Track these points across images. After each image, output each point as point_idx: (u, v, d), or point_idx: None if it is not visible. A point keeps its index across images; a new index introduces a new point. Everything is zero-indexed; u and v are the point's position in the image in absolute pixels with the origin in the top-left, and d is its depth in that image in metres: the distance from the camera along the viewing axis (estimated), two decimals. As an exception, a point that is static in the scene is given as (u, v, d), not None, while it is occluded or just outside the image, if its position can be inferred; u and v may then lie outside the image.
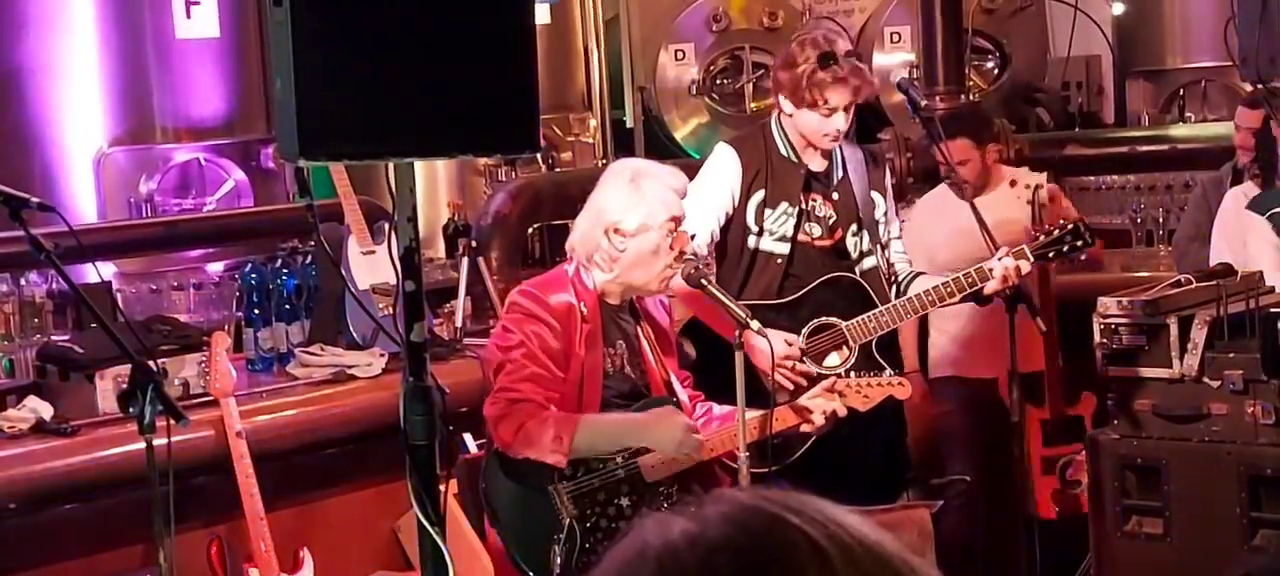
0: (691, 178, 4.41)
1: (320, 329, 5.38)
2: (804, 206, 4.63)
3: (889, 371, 4.46)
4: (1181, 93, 8.36)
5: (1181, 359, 4.44)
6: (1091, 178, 7.95)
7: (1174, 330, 4.45)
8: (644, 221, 4.07)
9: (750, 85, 8.43)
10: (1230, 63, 7.33)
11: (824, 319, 4.57)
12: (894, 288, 4.71)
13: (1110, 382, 4.61)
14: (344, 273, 5.19)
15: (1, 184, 3.81)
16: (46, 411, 4.54)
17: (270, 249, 5.68)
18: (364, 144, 2.96)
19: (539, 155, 6.92)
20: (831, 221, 4.66)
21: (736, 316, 4.05)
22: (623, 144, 8.40)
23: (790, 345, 4.44)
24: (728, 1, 8.49)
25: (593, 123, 8.01)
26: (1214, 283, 4.59)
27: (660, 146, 8.41)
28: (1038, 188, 4.97)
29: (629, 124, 8.68)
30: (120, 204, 6.23)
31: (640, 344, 4.25)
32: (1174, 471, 4.46)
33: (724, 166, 4.65)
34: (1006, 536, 5.32)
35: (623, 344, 4.20)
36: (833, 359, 4.56)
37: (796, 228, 4.62)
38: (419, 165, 3.53)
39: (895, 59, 8.28)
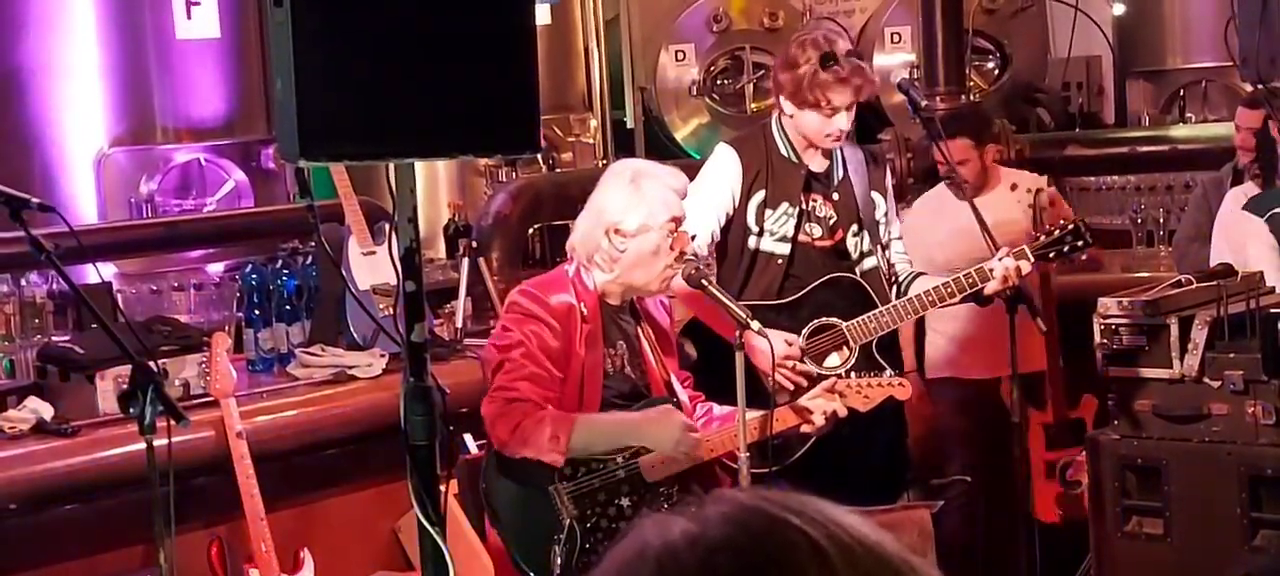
0: (692, 178, 4.41)
1: (321, 329, 5.39)
2: (804, 207, 4.63)
3: (889, 372, 4.46)
4: (1182, 93, 8.35)
5: (1182, 359, 4.44)
6: (1092, 178, 7.95)
7: (1174, 330, 4.45)
8: (644, 222, 4.07)
9: (751, 86, 8.43)
10: (1230, 63, 7.32)
11: (824, 319, 4.57)
12: (894, 288, 4.71)
13: (1110, 383, 4.61)
14: (344, 273, 5.19)
15: (2, 184, 3.81)
16: (47, 412, 4.54)
17: (271, 249, 5.68)
18: (364, 144, 2.96)
19: (539, 156, 6.93)
20: (832, 222, 4.66)
21: (737, 317, 4.05)
22: (623, 144, 8.40)
23: (791, 345, 4.44)
24: (728, 2, 8.49)
25: (593, 123, 8.01)
26: (1214, 283, 4.59)
27: (661, 147, 8.41)
28: (1039, 191, 4.97)
29: (629, 124, 8.68)
30: (121, 204, 6.23)
31: (641, 344, 4.25)
32: (1174, 472, 4.46)
33: (724, 167, 4.65)
34: (1006, 537, 5.32)
35: (623, 344, 4.20)
36: (833, 359, 4.56)
37: (797, 228, 4.61)
38: (419, 166, 3.53)
39: (896, 59, 8.28)
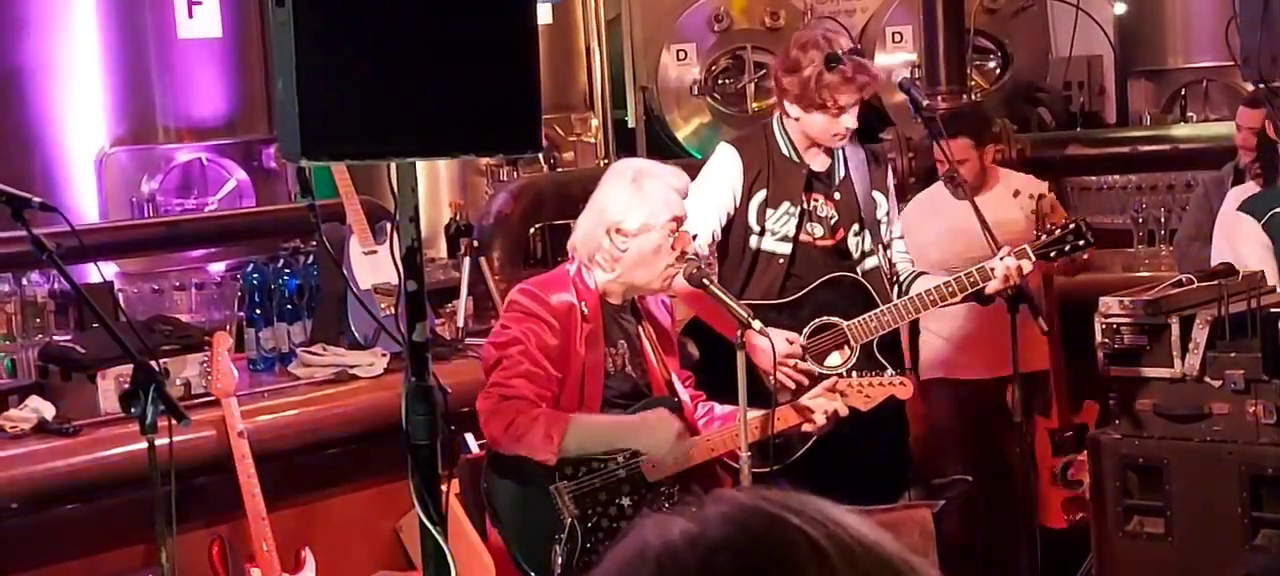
0: (693, 178, 4.41)
1: (322, 329, 5.39)
2: (806, 206, 4.63)
3: (890, 371, 4.46)
4: (1183, 92, 8.35)
5: (1183, 358, 4.44)
6: (1093, 178, 7.95)
7: (1175, 330, 4.45)
8: (646, 221, 4.07)
9: (752, 85, 8.43)
10: (1232, 62, 7.32)
11: (825, 318, 4.57)
12: (896, 287, 4.71)
13: (1112, 382, 4.60)
14: (346, 272, 5.19)
15: (3, 184, 3.81)
16: (48, 411, 4.55)
17: (272, 249, 5.68)
18: (366, 144, 2.96)
19: (541, 155, 6.93)
20: (833, 221, 4.66)
21: (738, 316, 4.05)
22: (624, 144, 8.39)
23: (792, 345, 4.44)
24: (729, 1, 8.49)
25: (594, 122, 8.01)
26: (1215, 282, 4.59)
27: (662, 146, 8.40)
28: (1041, 197, 4.97)
29: (631, 124, 8.68)
30: (122, 204, 6.23)
31: (642, 343, 4.25)
32: (1175, 471, 4.46)
33: (725, 166, 4.65)
34: (1007, 537, 5.33)
35: (624, 343, 4.20)
36: (834, 358, 4.56)
37: (798, 227, 4.61)
38: (421, 165, 3.53)
39: (897, 59, 8.28)
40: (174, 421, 3.68)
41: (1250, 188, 5.55)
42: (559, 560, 3.99)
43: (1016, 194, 5.17)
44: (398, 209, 3.07)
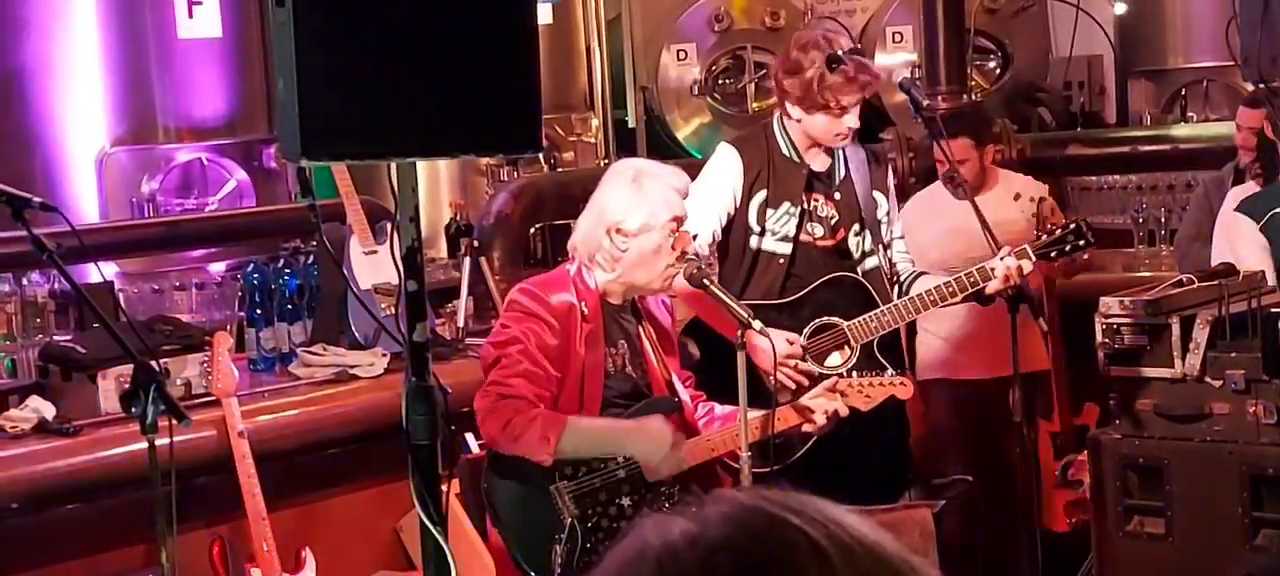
0: (693, 178, 4.41)
1: (322, 329, 5.39)
2: (806, 206, 4.63)
3: (891, 371, 4.46)
4: (1183, 92, 8.35)
5: (1183, 358, 4.44)
6: (1093, 178, 7.94)
7: (1176, 330, 4.45)
8: (646, 221, 4.07)
9: (752, 85, 8.43)
10: (1232, 62, 7.32)
11: (826, 319, 4.57)
12: (896, 287, 4.71)
13: (1112, 382, 4.60)
14: (346, 272, 5.19)
15: (4, 184, 3.81)
16: (49, 411, 4.55)
17: (272, 249, 5.68)
18: (366, 144, 2.96)
19: (541, 155, 6.93)
20: (834, 221, 4.66)
21: (738, 316, 4.05)
22: (625, 144, 8.39)
23: (792, 345, 4.44)
24: (730, 1, 8.49)
25: (595, 122, 8.01)
26: (1216, 282, 4.59)
27: (662, 146, 8.40)
28: (1042, 200, 4.97)
29: (631, 124, 8.68)
30: (122, 204, 6.23)
31: (642, 343, 4.25)
32: (1176, 471, 4.46)
33: (726, 166, 4.65)
34: (1007, 537, 5.33)
35: (624, 343, 4.20)
36: (834, 358, 4.56)
37: (798, 227, 4.62)
38: (421, 165, 3.53)
39: (897, 59, 8.28)
40: (174, 421, 3.67)
41: (1250, 188, 5.55)
42: (559, 560, 3.99)
43: (1017, 197, 5.17)
44: (398, 209, 3.07)
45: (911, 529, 4.08)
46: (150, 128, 6.34)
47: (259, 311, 5.26)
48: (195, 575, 4.59)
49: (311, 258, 5.51)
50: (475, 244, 5.89)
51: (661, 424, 4.10)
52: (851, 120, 4.54)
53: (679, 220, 4.12)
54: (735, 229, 4.64)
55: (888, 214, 4.75)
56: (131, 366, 3.75)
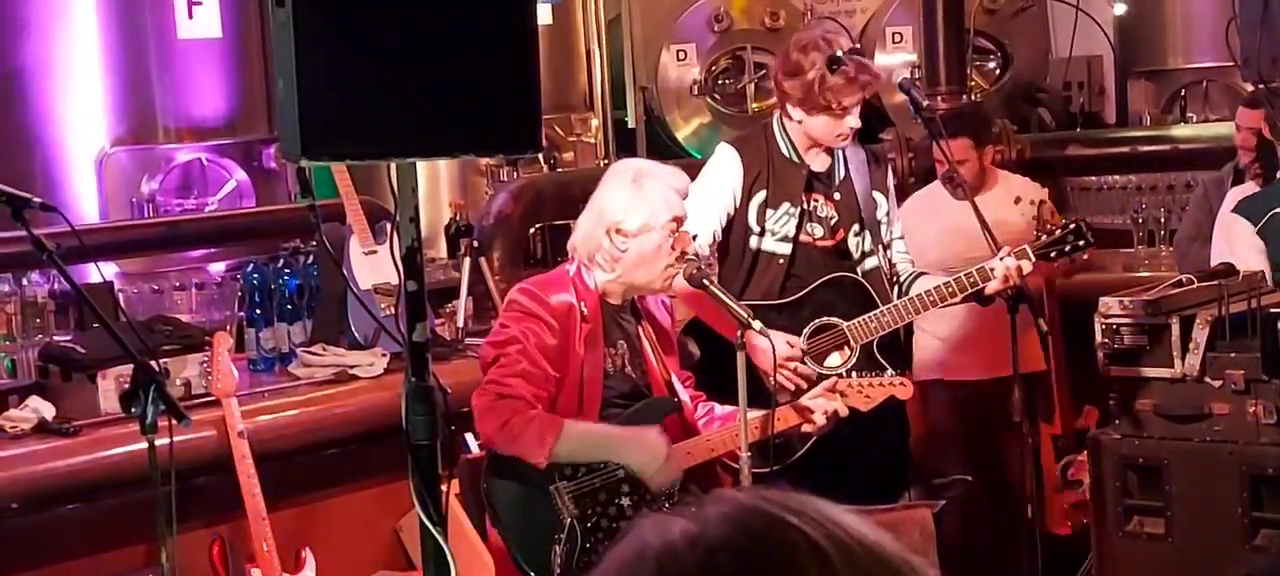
0: (693, 178, 4.41)
1: (322, 329, 5.39)
2: (806, 207, 4.63)
3: (890, 371, 4.46)
4: (1183, 93, 8.35)
5: (1183, 359, 4.44)
6: (1093, 178, 7.94)
7: (1176, 330, 4.45)
8: (646, 221, 4.07)
9: (752, 85, 8.43)
10: (1232, 63, 7.33)
11: (825, 319, 4.57)
12: (896, 288, 4.71)
13: (1112, 382, 4.61)
14: (346, 272, 5.19)
15: (3, 184, 3.81)
16: (49, 411, 4.55)
17: (272, 249, 5.68)
18: (366, 144, 2.96)
19: (541, 155, 6.93)
20: (833, 221, 4.66)
21: (738, 316, 4.05)
22: (624, 144, 8.39)
23: (792, 345, 4.44)
24: (729, 2, 8.49)
25: (594, 123, 8.01)
26: (1216, 282, 4.59)
27: (662, 146, 8.40)
28: (1042, 203, 4.98)
29: (631, 124, 8.68)
30: (122, 204, 6.23)
31: (641, 344, 4.25)
32: (1176, 471, 4.46)
33: (726, 166, 4.65)
34: (1007, 537, 5.32)
35: (624, 344, 4.20)
36: (834, 359, 4.56)
37: (798, 228, 4.62)
38: (421, 165, 3.53)
39: (897, 59, 8.28)
40: (174, 421, 3.68)
41: (1250, 188, 5.55)
42: (559, 560, 3.99)
43: (1017, 200, 5.17)
44: (398, 209, 3.07)
45: (911, 529, 4.09)
46: (150, 128, 6.34)
47: (259, 311, 5.26)
48: (195, 575, 4.59)
49: (311, 258, 5.51)
50: (475, 244, 5.88)
51: (657, 436, 4.09)
52: (853, 121, 4.54)
53: (679, 220, 4.12)
54: (735, 229, 4.64)
55: (887, 214, 4.75)
56: (131, 366, 3.75)
